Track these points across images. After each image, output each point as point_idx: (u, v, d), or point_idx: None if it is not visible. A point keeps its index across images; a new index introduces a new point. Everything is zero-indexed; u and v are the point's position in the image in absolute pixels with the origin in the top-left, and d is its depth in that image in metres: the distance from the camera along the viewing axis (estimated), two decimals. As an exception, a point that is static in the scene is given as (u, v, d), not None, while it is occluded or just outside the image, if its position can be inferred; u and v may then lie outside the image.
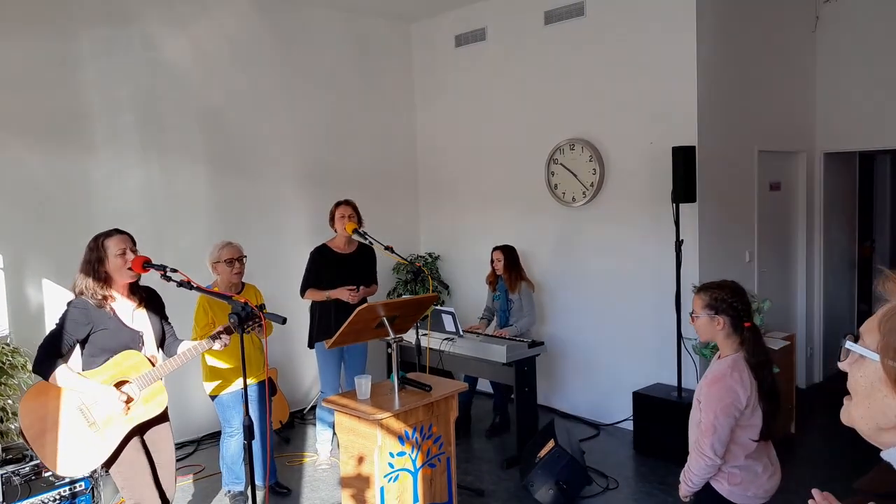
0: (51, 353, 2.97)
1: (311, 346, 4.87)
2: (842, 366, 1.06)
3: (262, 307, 3.31)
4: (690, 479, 2.62)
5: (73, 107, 4.93)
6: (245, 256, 4.17)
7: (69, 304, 3.07)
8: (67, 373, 2.97)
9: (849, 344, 1.03)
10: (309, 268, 4.80)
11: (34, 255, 4.79)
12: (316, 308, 4.82)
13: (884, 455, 1.03)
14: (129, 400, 3.04)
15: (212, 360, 4.10)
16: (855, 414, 1.04)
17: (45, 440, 2.94)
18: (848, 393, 1.06)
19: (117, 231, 3.14)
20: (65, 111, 4.89)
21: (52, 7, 4.82)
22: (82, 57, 4.96)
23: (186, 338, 3.55)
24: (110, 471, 3.12)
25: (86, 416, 3.00)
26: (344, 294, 4.64)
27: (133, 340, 3.14)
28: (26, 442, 2.93)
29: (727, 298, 2.57)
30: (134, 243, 3.15)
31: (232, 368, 4.04)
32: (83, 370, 3.07)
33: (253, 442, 3.16)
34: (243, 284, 4.25)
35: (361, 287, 4.76)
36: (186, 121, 5.47)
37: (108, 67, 5.07)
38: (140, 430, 3.16)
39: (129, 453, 3.10)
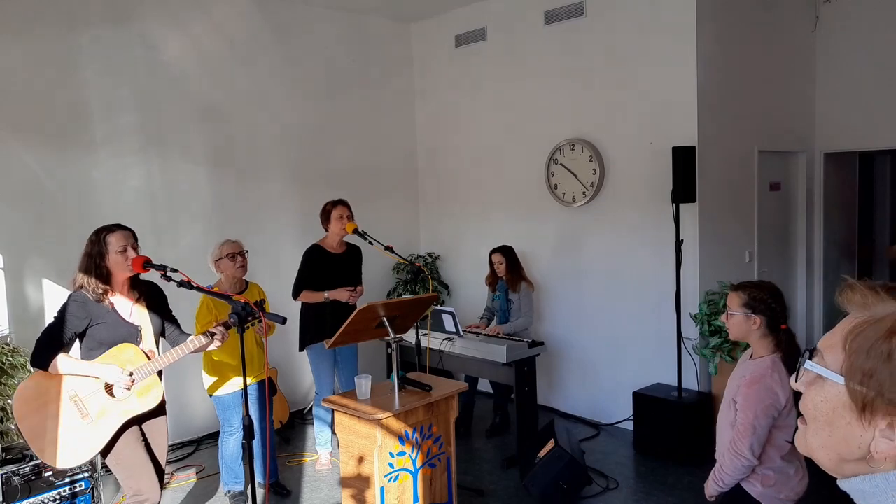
0: (49, 345, 2.99)
1: (301, 349, 4.84)
2: (796, 386, 0.94)
3: (261, 303, 3.32)
4: (722, 478, 2.59)
5: (73, 107, 4.93)
6: (246, 251, 4.19)
7: (69, 297, 3.09)
8: (67, 359, 3.00)
9: (808, 364, 0.91)
10: (303, 269, 4.74)
11: (34, 255, 4.79)
12: (309, 310, 4.76)
13: (841, 484, 0.90)
14: (132, 375, 3.05)
15: (216, 354, 4.10)
16: (814, 443, 0.91)
17: (39, 432, 2.95)
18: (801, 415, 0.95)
19: (120, 226, 3.14)
20: (65, 111, 4.89)
21: (52, 7, 4.81)
22: (82, 57, 4.96)
23: (190, 333, 3.55)
24: (108, 463, 3.13)
25: (79, 407, 3.01)
26: (343, 295, 4.63)
27: (131, 335, 3.14)
28: (19, 433, 2.94)
29: (766, 299, 2.56)
30: (136, 240, 3.16)
31: (232, 367, 4.03)
32: None
33: (253, 441, 3.16)
34: (247, 283, 4.26)
35: (360, 287, 4.76)
36: (186, 120, 5.47)
37: (108, 67, 5.07)
38: (137, 421, 3.16)
39: (126, 444, 3.10)
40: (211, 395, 4.20)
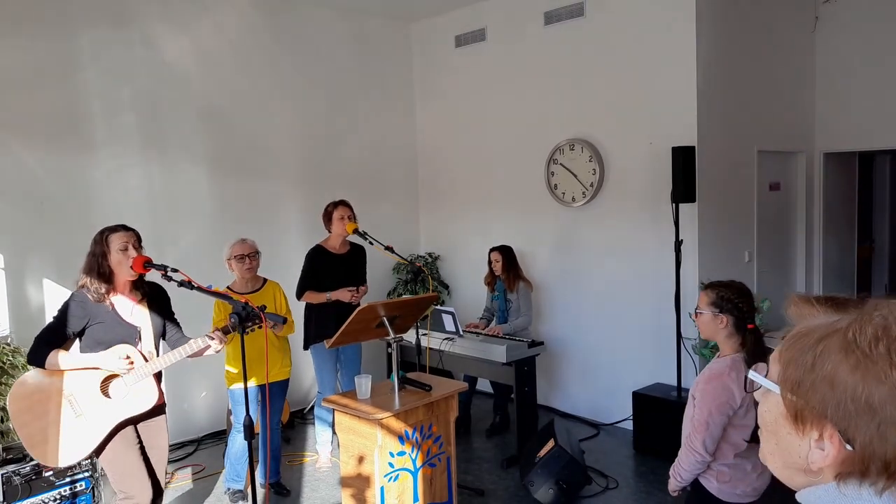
0: (47, 343, 3.00)
1: (306, 348, 4.86)
2: (756, 395, 0.96)
3: (263, 308, 3.32)
4: (679, 473, 2.64)
5: (73, 107, 4.93)
6: (258, 252, 4.23)
7: (69, 296, 3.10)
8: (64, 353, 3.01)
9: (750, 373, 0.93)
10: (306, 269, 4.77)
11: (34, 254, 4.80)
12: (312, 310, 4.80)
13: (799, 497, 0.90)
14: (131, 362, 3.05)
15: (230, 360, 4.16)
16: (765, 450, 0.93)
17: (32, 430, 2.97)
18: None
19: (123, 227, 3.16)
20: (65, 111, 4.89)
21: (52, 7, 4.82)
22: (82, 57, 4.96)
23: (193, 335, 3.55)
24: (100, 462, 3.14)
25: (73, 406, 3.02)
26: (345, 295, 4.64)
27: (129, 335, 3.14)
28: (13, 430, 2.96)
29: (733, 298, 2.58)
30: (139, 240, 3.17)
31: (253, 364, 4.01)
32: None
33: (260, 439, 3.17)
34: (265, 281, 4.28)
35: (362, 287, 4.77)
36: (186, 120, 5.48)
37: (108, 67, 5.07)
38: (133, 421, 3.16)
39: (118, 446, 3.10)
40: (228, 388, 4.23)
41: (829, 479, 0.85)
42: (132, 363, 3.05)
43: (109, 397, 3.07)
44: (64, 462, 3.07)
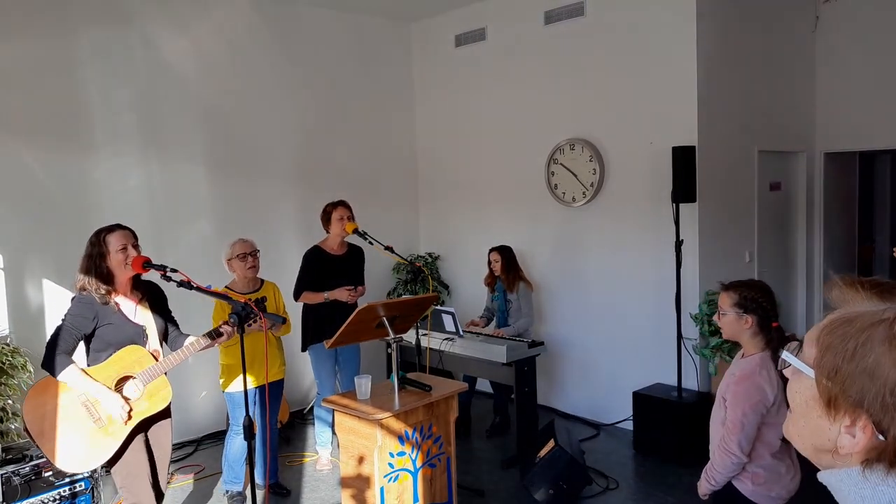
0: (59, 348, 2.96)
1: (304, 349, 4.85)
2: (786, 373, 0.98)
3: (262, 300, 3.32)
4: (713, 476, 2.60)
5: (73, 107, 4.93)
6: (258, 251, 4.21)
7: (74, 299, 3.07)
8: (74, 373, 2.96)
9: (785, 354, 0.94)
10: (303, 270, 4.76)
11: (34, 255, 4.80)
12: (310, 311, 4.78)
13: (820, 477, 0.92)
14: (130, 410, 3.04)
15: (228, 358, 4.13)
16: (792, 430, 0.95)
17: (49, 437, 2.93)
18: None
19: (119, 226, 3.14)
20: (65, 111, 4.89)
21: (52, 7, 4.82)
22: (82, 57, 4.96)
23: (191, 333, 3.55)
24: (111, 470, 3.12)
25: (91, 412, 2.99)
26: (343, 295, 4.64)
27: (137, 335, 3.14)
28: (31, 439, 2.93)
29: (757, 298, 2.57)
30: (136, 239, 3.16)
31: (251, 364, 4.01)
32: (88, 365, 3.07)
33: (257, 440, 3.16)
34: (262, 281, 4.27)
35: (360, 287, 4.76)
36: (186, 120, 5.47)
37: (108, 67, 5.07)
38: (144, 426, 3.16)
39: (130, 453, 3.10)
40: (224, 392, 4.21)
41: (855, 463, 0.85)
42: (129, 419, 3.03)
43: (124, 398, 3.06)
44: (83, 468, 3.06)
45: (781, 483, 2.58)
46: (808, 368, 0.89)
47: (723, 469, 2.56)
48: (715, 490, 2.64)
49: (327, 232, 4.80)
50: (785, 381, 2.58)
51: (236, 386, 4.10)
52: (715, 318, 2.72)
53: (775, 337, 2.57)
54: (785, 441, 2.55)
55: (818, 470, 0.93)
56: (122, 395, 3.04)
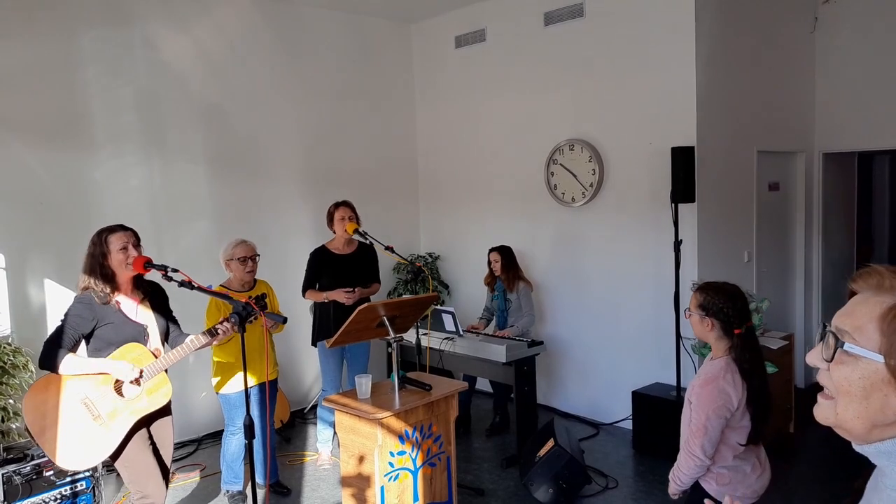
0: (56, 347, 2.99)
1: (314, 343, 4.90)
2: (812, 361, 1.04)
3: (262, 297, 3.33)
4: (679, 477, 2.64)
5: (73, 107, 4.94)
6: (258, 255, 4.23)
7: (74, 299, 3.09)
8: (75, 357, 2.99)
9: (847, 346, 0.99)
10: (308, 270, 4.83)
11: (35, 254, 4.80)
12: (317, 308, 4.86)
13: (861, 448, 1.03)
14: (140, 373, 3.05)
15: (222, 356, 4.13)
16: (846, 414, 1.01)
17: (49, 435, 2.94)
18: (821, 389, 1.05)
19: (121, 227, 3.16)
20: (65, 111, 4.90)
21: (52, 7, 4.82)
22: (82, 57, 4.97)
23: (192, 333, 3.56)
24: (116, 464, 3.14)
25: (90, 409, 3.01)
26: (340, 296, 4.66)
27: (138, 334, 3.16)
28: (32, 437, 2.94)
29: (718, 303, 2.56)
30: (138, 239, 3.17)
31: (240, 365, 4.04)
32: None
33: (255, 440, 3.17)
34: (255, 281, 4.29)
35: (358, 288, 4.77)
36: (186, 121, 5.48)
37: (108, 67, 5.08)
38: (145, 422, 3.18)
39: (134, 447, 3.12)
40: (218, 393, 4.21)
41: None
42: (140, 376, 3.05)
43: (123, 396, 3.08)
44: (83, 465, 3.07)
45: (747, 483, 2.61)
46: (876, 355, 0.96)
47: (687, 471, 2.60)
48: (682, 490, 2.68)
49: (333, 232, 4.84)
50: (748, 383, 2.57)
51: (230, 387, 4.11)
52: (686, 315, 2.72)
53: (737, 344, 2.56)
54: (752, 442, 2.57)
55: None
56: (120, 393, 3.06)
